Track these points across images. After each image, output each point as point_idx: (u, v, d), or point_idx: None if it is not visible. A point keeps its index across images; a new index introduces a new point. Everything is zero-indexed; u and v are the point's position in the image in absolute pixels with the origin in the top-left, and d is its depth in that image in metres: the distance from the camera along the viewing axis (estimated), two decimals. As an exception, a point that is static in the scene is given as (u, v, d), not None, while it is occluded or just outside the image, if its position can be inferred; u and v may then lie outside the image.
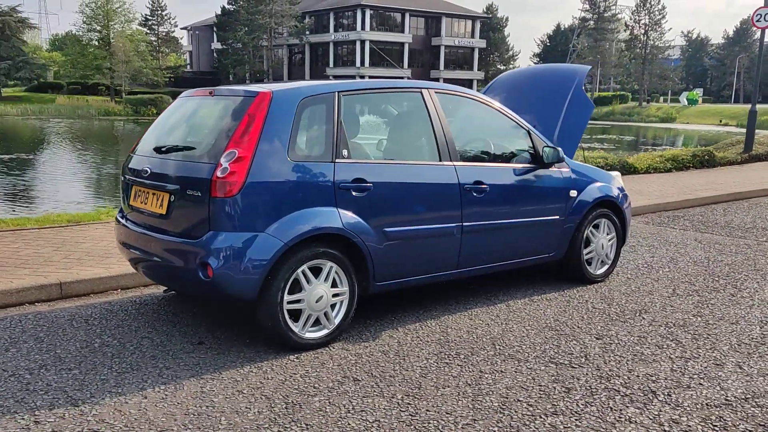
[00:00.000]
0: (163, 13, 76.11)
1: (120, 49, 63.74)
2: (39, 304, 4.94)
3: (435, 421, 3.30)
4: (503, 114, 5.38)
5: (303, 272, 4.09)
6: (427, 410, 3.42)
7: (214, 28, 77.58)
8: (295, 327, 4.09)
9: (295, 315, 4.12)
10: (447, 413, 3.40)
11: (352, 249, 4.29)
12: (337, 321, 4.29)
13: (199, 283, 3.95)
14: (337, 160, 4.23)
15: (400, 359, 4.07)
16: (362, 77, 68.39)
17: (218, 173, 3.88)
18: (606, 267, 6.00)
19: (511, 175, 5.22)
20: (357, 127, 4.64)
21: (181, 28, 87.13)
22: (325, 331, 4.24)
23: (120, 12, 66.65)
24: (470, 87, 76.14)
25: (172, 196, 4.14)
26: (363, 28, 72.43)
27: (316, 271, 4.18)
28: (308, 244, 4.10)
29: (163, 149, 4.42)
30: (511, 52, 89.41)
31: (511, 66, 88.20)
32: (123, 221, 4.64)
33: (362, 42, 72.53)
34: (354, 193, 4.26)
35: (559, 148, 5.39)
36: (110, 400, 3.43)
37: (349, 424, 3.26)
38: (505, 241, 5.20)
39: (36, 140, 31.83)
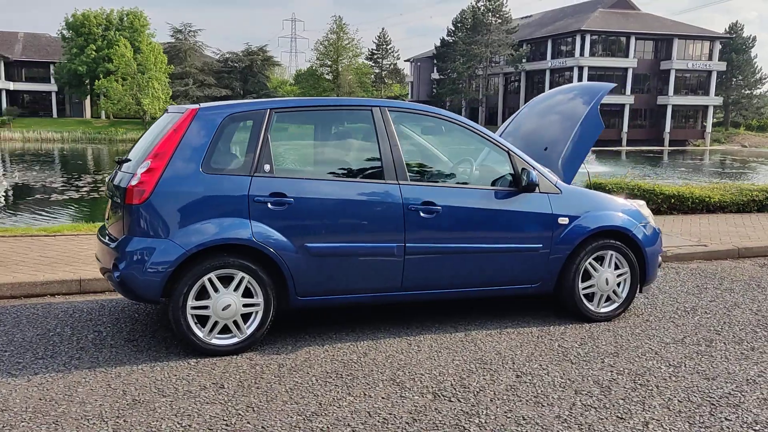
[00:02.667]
0: (388, 47, 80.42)
1: (345, 81, 68.66)
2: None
3: None
4: (478, 134, 5.16)
5: (210, 280, 4.30)
6: (251, 423, 3.44)
7: (434, 60, 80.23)
8: (200, 332, 4.31)
9: (203, 320, 4.33)
10: (262, 428, 3.39)
11: (268, 261, 4.41)
12: (249, 331, 4.43)
13: (115, 283, 4.34)
14: (255, 174, 4.40)
15: (285, 374, 4.12)
16: (578, 104, 66.34)
17: (132, 182, 4.26)
18: (614, 305, 5.41)
19: (475, 197, 4.98)
20: (290, 143, 4.76)
21: (405, 60, 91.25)
22: (235, 340, 4.40)
23: (348, 48, 71.85)
24: (704, 114, 70.47)
25: (111, 204, 4.59)
26: (582, 54, 70.24)
27: (229, 279, 4.35)
28: (216, 253, 4.30)
29: (120, 162, 4.90)
30: (758, 75, 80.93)
31: (756, 90, 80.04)
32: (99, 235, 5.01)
33: (580, 68, 70.30)
34: (271, 207, 4.39)
35: (534, 171, 5.02)
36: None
37: (168, 425, 3.39)
38: (467, 267, 4.95)
39: None
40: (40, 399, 3.65)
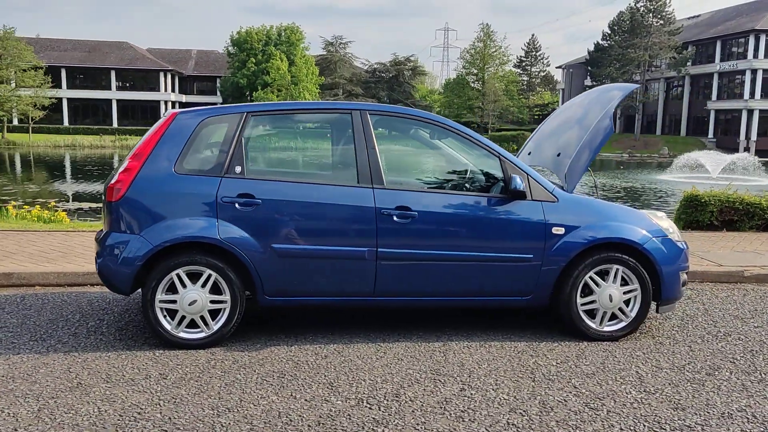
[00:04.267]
0: (537, 54, 78.74)
1: (491, 89, 68.08)
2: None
3: (142, 421, 3.49)
4: (468, 139, 4.99)
5: (178, 276, 4.51)
6: (162, 413, 3.59)
7: (587, 65, 77.38)
8: (168, 325, 4.54)
9: (173, 314, 4.55)
10: (169, 419, 3.52)
11: (236, 260, 4.55)
12: (216, 327, 4.59)
13: (97, 276, 4.68)
14: (226, 175, 4.57)
15: (233, 370, 4.23)
16: (750, 111, 61.30)
17: (112, 181, 4.57)
18: (620, 325, 5.00)
19: (456, 202, 4.82)
20: (265, 146, 4.87)
21: (557, 67, 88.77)
22: (202, 334, 4.58)
23: (495, 56, 71.18)
24: None
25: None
26: (755, 56, 64.62)
27: (198, 276, 4.55)
28: (185, 250, 4.51)
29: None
30: None
31: None
32: None
33: (753, 71, 64.67)
34: (238, 208, 4.53)
35: (520, 178, 4.76)
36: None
37: (88, 409, 3.63)
38: (447, 275, 4.80)
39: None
40: (2, 376, 4.02)
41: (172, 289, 4.56)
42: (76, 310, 5.42)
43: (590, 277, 4.93)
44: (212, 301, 4.58)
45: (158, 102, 67.12)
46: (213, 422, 3.48)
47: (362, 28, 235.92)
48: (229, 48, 66.90)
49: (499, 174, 4.94)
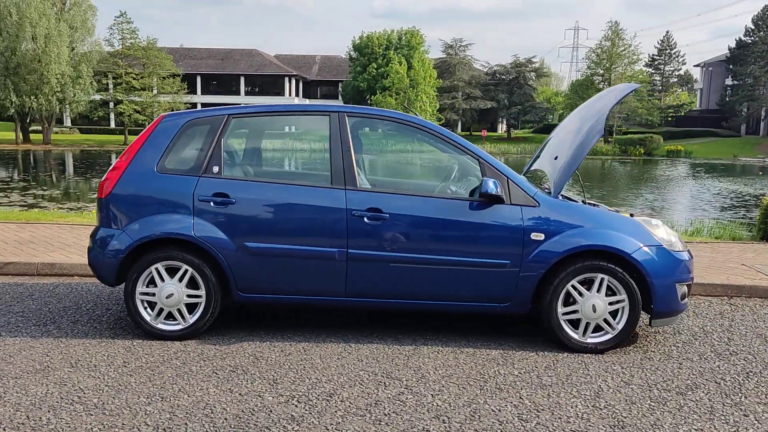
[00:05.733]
0: (672, 52, 74.59)
1: (618, 90, 65.10)
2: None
3: (75, 404, 3.75)
4: (449, 142, 4.91)
5: (157, 270, 4.77)
6: (98, 397, 3.83)
7: (728, 63, 72.41)
8: (147, 316, 4.80)
9: (153, 306, 4.81)
10: (102, 404, 3.75)
11: (210, 257, 4.74)
12: (192, 320, 4.81)
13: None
14: (203, 175, 4.78)
15: (193, 361, 4.42)
16: None
17: (103, 179, 4.91)
18: (606, 337, 4.74)
19: (430, 206, 4.75)
20: (244, 148, 5.02)
21: (695, 65, 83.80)
22: (179, 327, 4.81)
23: (624, 55, 68.16)
24: None
25: None
26: None
27: (175, 271, 4.78)
28: (163, 246, 4.76)
29: None
30: None
31: None
32: None
33: None
34: (213, 206, 4.72)
35: (493, 181, 4.62)
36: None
37: (37, 390, 3.93)
38: (420, 278, 4.75)
39: None
40: (-13, 356, 4.43)
41: (153, 282, 4.81)
42: (92, 300, 5.83)
43: (573, 286, 4.70)
44: (188, 295, 4.80)
45: (283, 106, 69.89)
46: (139, 409, 3.67)
47: (487, 31, 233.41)
48: (351, 53, 68.50)
49: (478, 177, 4.82)
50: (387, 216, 4.70)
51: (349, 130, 4.87)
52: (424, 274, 4.74)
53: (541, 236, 4.68)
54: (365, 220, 4.70)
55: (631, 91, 5.19)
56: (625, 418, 3.69)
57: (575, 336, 4.74)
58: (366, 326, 5.21)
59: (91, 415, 3.59)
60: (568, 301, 4.74)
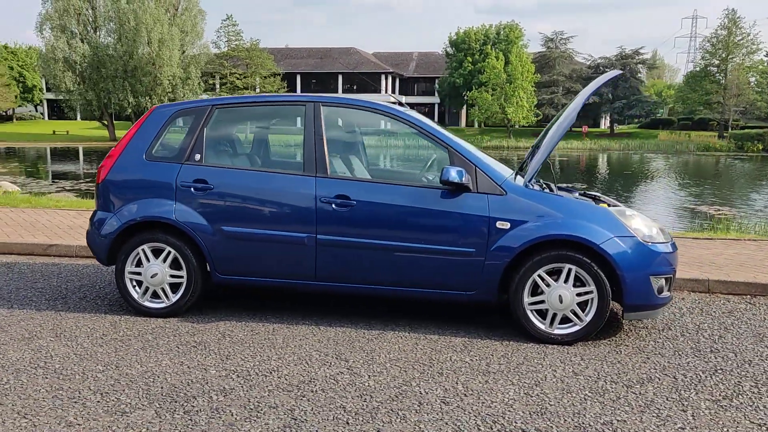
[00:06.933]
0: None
1: (732, 82, 61.64)
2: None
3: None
4: (420, 130, 4.94)
5: (144, 251, 5.09)
6: (61, 365, 4.16)
7: None
8: (135, 294, 5.14)
9: (141, 285, 5.14)
10: (65, 369, 4.08)
11: (191, 239, 5.02)
12: (174, 299, 5.10)
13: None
14: (186, 162, 5.06)
15: (166, 336, 4.69)
16: None
17: (99, 166, 5.29)
18: (574, 328, 4.63)
19: (398, 193, 4.81)
20: (226, 136, 5.24)
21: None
22: (163, 305, 5.12)
23: (741, 44, 64.25)
24: None
25: None
26: None
27: (161, 252, 5.09)
28: (149, 228, 5.08)
29: None
30: None
31: None
32: None
33: None
34: (193, 192, 5.00)
35: (455, 169, 4.62)
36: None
37: (14, 355, 4.32)
38: (388, 265, 4.82)
39: (611, 171, 34.22)
40: (-11, 324, 4.89)
41: (140, 263, 5.13)
42: (108, 280, 6.26)
43: (540, 276, 4.62)
44: (172, 275, 5.09)
45: (379, 103, 70.75)
46: (91, 375, 3.96)
47: (594, 23, 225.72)
48: (447, 49, 68.31)
49: (445, 164, 4.82)
50: (354, 203, 4.80)
51: (322, 119, 5.00)
52: (392, 260, 4.80)
53: (506, 225, 4.63)
54: (333, 206, 4.81)
55: (613, 77, 5.02)
56: (550, 405, 3.62)
57: (542, 327, 4.66)
58: (346, 311, 5.33)
59: (47, 378, 3.92)
60: (536, 291, 4.66)
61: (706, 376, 4.08)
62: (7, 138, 54.31)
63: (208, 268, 5.07)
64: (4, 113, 78.27)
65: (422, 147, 5.90)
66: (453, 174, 4.60)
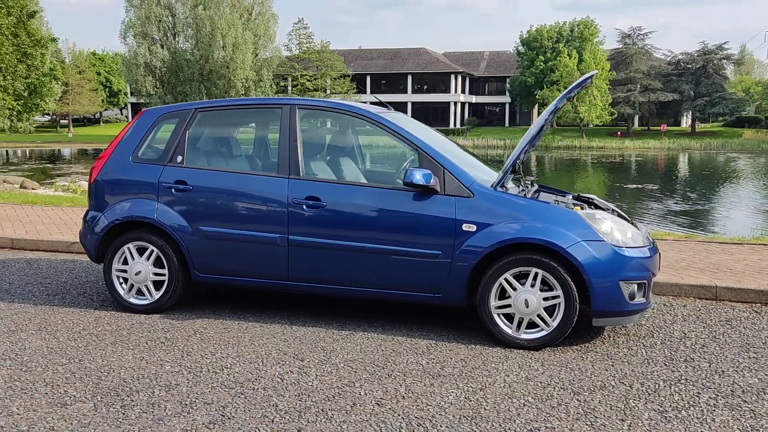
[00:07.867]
0: None
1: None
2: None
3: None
4: (393, 133, 4.91)
5: (129, 249, 5.28)
6: (41, 357, 4.37)
7: None
8: (121, 291, 5.33)
9: (127, 281, 5.34)
10: (33, 360, 4.29)
11: (171, 239, 5.18)
12: (157, 296, 5.26)
13: (83, 245, 5.68)
14: (168, 164, 5.22)
15: (141, 332, 4.85)
16: None
17: (92, 167, 5.53)
18: (540, 333, 4.51)
19: (367, 194, 4.82)
20: (207, 138, 5.37)
21: None
22: (146, 301, 5.29)
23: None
24: None
25: None
26: None
27: (145, 250, 5.27)
28: (134, 228, 5.27)
29: None
30: None
31: None
32: None
33: None
34: (174, 192, 5.15)
35: (419, 171, 4.58)
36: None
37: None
38: (357, 266, 4.83)
39: (687, 172, 33.02)
40: (-15, 317, 5.18)
41: (127, 261, 5.32)
42: (97, 275, 6.48)
43: (506, 280, 4.53)
44: (155, 273, 5.25)
45: (448, 103, 70.44)
46: (51, 368, 4.13)
47: (678, 17, 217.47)
48: (519, 47, 67.31)
49: (414, 166, 4.79)
50: (325, 204, 4.83)
51: (297, 122, 5.05)
52: (361, 261, 4.80)
53: (472, 227, 4.56)
54: (304, 207, 4.86)
55: (587, 78, 4.87)
56: (485, 410, 3.54)
57: (508, 331, 4.56)
58: (325, 311, 5.36)
59: (10, 369, 4.12)
60: (504, 295, 4.57)
61: (665, 386, 3.90)
62: (95, 140, 57.16)
63: (188, 266, 5.21)
64: (92, 116, 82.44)
65: (401, 148, 5.89)
66: (417, 176, 4.57)
